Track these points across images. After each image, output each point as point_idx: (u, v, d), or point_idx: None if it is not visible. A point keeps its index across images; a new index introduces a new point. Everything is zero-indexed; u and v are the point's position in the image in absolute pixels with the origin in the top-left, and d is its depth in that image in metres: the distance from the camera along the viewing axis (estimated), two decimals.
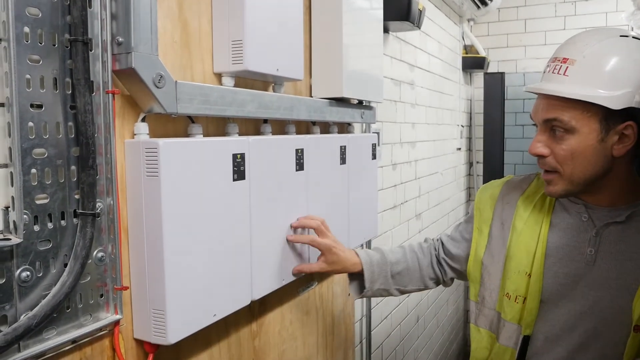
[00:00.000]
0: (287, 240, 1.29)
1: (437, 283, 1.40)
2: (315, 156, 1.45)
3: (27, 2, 0.79)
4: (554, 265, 1.11)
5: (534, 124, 1.09)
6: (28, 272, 0.81)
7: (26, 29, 0.80)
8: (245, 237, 1.19)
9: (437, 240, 1.42)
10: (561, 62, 1.03)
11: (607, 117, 0.99)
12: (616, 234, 1.07)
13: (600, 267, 1.07)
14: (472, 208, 1.34)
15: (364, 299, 2.19)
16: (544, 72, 1.08)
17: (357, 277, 1.37)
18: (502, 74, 3.89)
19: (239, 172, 1.15)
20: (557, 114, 1.02)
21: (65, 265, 0.87)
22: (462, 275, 1.36)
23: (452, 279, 1.41)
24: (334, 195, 1.56)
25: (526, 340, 1.12)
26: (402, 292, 1.39)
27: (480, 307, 1.24)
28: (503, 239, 1.19)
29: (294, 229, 1.32)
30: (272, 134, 1.38)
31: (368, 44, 1.74)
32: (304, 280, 1.59)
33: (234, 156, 1.14)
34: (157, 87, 0.96)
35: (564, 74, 1.01)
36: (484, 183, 1.39)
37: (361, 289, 1.37)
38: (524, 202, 1.19)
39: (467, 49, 3.77)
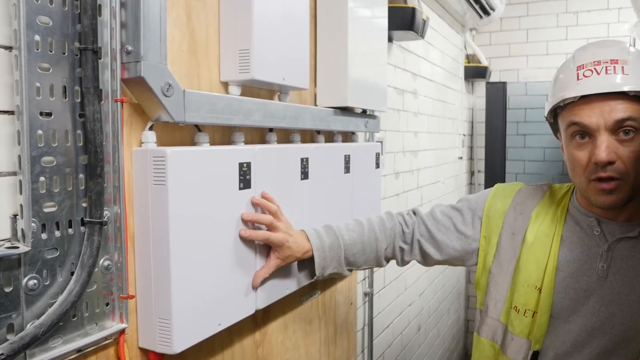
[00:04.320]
0: (240, 236, 1.15)
1: (389, 261, 1.35)
2: (320, 165, 1.45)
3: (38, 10, 0.80)
4: (565, 280, 1.09)
5: (579, 133, 1.03)
6: (35, 281, 0.81)
7: (37, 38, 0.80)
8: (250, 246, 1.19)
9: (413, 215, 1.34)
10: (610, 63, 1.01)
11: None
12: (628, 249, 1.06)
13: (612, 283, 1.05)
14: (466, 202, 1.29)
15: (366, 305, 2.18)
16: (585, 77, 1.03)
17: (308, 261, 1.29)
18: (504, 83, 3.91)
19: (245, 180, 1.15)
20: (629, 112, 0.99)
21: (72, 273, 0.87)
22: (429, 259, 1.30)
23: (409, 262, 1.34)
24: (338, 204, 1.56)
25: (535, 356, 1.10)
26: (353, 270, 1.33)
27: (483, 316, 1.22)
28: (513, 250, 1.17)
29: (245, 222, 1.17)
30: (277, 143, 1.38)
31: (372, 53, 1.74)
32: (307, 289, 1.58)
33: (240, 165, 1.14)
34: (166, 96, 0.96)
35: (622, 73, 1.00)
36: None
37: (312, 274, 1.29)
38: (537, 214, 1.17)
39: (470, 58, 3.79)
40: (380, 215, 1.37)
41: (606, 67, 1.01)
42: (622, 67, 1.00)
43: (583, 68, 1.04)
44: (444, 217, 1.29)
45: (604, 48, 1.05)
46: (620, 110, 0.99)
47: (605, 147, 0.99)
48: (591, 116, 1.01)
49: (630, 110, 0.99)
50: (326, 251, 1.25)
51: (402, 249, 1.32)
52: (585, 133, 1.02)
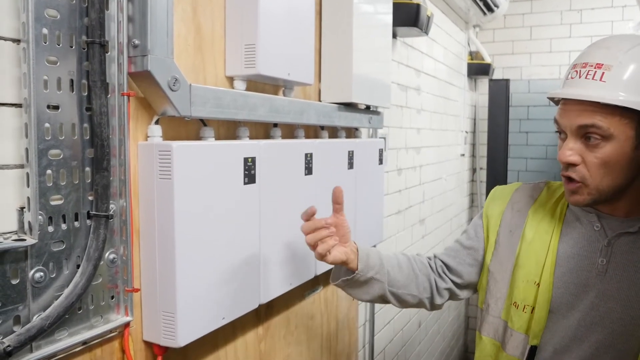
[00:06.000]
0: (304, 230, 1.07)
1: (430, 300, 1.26)
2: (324, 160, 1.45)
3: (47, 3, 0.80)
4: (564, 275, 1.10)
5: (558, 131, 1.06)
6: (41, 273, 0.82)
7: (45, 31, 0.80)
8: (255, 241, 1.19)
9: (432, 258, 1.32)
10: (594, 68, 1.00)
11: None
12: (628, 244, 1.06)
13: (611, 278, 1.06)
14: (471, 222, 1.31)
15: (369, 304, 2.18)
16: (570, 78, 1.04)
17: (345, 273, 1.18)
18: (507, 80, 3.90)
19: (249, 175, 1.15)
20: (594, 119, 0.99)
21: (78, 266, 0.87)
22: (459, 286, 1.28)
23: (444, 290, 1.27)
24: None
25: (533, 351, 1.11)
26: (396, 298, 1.22)
27: (484, 315, 1.23)
28: (511, 247, 1.17)
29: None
30: (282, 138, 1.38)
31: (377, 49, 1.74)
32: (309, 284, 1.59)
33: (245, 160, 1.14)
34: (172, 90, 0.97)
35: (600, 80, 0.99)
36: (487, 190, 1.34)
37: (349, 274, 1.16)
38: (535, 210, 1.18)
39: (473, 55, 3.78)
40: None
41: (589, 71, 1.01)
42: (603, 73, 0.99)
43: (574, 68, 1.05)
44: (453, 244, 1.31)
45: (601, 50, 1.03)
46: (585, 116, 1.00)
47: (567, 148, 1.02)
48: (563, 117, 1.04)
49: (597, 117, 0.98)
50: (368, 253, 1.18)
51: (435, 280, 1.28)
52: (562, 132, 1.05)
